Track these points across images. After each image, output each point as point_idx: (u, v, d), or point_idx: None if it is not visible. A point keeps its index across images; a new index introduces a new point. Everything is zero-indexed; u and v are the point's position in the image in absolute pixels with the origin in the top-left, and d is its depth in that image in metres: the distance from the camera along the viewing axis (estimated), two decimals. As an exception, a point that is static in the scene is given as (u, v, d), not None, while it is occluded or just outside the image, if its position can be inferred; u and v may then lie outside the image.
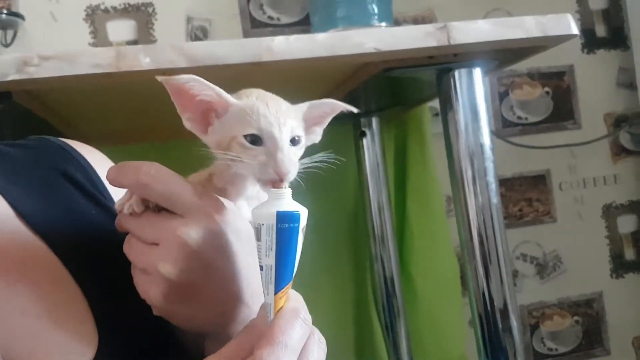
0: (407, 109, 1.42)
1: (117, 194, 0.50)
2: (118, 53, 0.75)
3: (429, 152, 1.44)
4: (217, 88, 0.47)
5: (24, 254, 0.47)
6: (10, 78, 0.72)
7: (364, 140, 1.41)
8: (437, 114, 1.47)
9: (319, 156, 0.47)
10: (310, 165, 0.47)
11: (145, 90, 0.89)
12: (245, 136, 0.45)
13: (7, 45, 1.29)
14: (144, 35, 1.44)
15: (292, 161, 0.45)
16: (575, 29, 0.89)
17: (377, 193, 1.41)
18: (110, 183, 0.46)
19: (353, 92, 1.11)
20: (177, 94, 0.47)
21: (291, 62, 0.82)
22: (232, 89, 0.48)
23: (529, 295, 1.65)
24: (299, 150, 0.48)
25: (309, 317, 0.43)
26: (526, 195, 1.65)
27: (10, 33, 1.29)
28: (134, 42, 1.43)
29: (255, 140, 0.45)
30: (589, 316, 1.68)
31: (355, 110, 0.52)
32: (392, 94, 1.28)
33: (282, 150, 0.45)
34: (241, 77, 0.49)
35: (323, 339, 0.45)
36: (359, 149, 1.42)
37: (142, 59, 0.76)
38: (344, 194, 1.47)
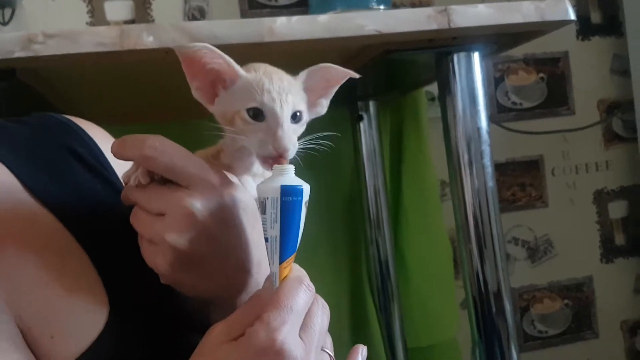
0: (404, 93, 1.43)
1: (120, 169, 0.51)
2: (122, 32, 0.75)
3: (425, 137, 1.44)
4: (227, 57, 0.48)
5: (31, 224, 0.47)
6: (15, 55, 0.72)
7: (361, 124, 1.41)
8: (432, 99, 1.48)
9: (315, 136, 0.48)
10: (308, 144, 0.48)
11: (147, 69, 0.90)
12: (248, 110, 0.47)
13: (4, 24, 1.28)
14: (142, 15, 1.43)
15: (291, 139, 0.47)
16: (572, 15, 0.90)
17: (373, 177, 1.42)
18: (115, 156, 0.46)
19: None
20: (188, 62, 0.48)
21: (292, 44, 0.82)
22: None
23: (520, 278, 1.67)
24: (300, 127, 0.49)
25: (312, 284, 0.45)
26: (519, 180, 1.67)
27: (8, 11, 1.28)
28: (132, 22, 1.43)
29: (257, 114, 0.47)
30: (579, 300, 1.71)
31: (356, 75, 0.53)
32: (389, 78, 1.28)
33: (282, 127, 0.46)
34: (241, 58, 0.49)
35: (326, 305, 0.47)
36: (355, 132, 1.43)
37: (146, 38, 0.76)
38: (340, 177, 1.47)
